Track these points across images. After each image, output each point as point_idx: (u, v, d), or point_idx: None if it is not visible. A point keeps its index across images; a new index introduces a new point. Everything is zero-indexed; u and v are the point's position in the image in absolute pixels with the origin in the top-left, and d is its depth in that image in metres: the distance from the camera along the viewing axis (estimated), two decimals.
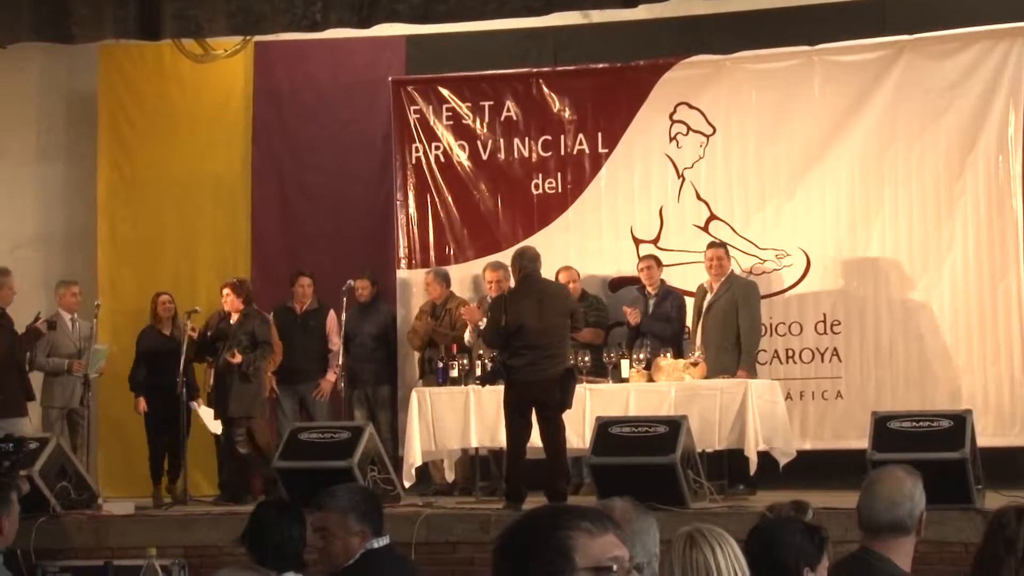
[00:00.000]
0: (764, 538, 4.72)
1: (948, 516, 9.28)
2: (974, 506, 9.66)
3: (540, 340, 10.98)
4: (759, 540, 4.65)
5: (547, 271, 12.16)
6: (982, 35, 12.59)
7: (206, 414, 12.88)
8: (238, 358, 12.60)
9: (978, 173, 12.55)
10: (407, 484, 11.94)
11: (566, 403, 11.08)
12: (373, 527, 6.30)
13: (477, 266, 13.37)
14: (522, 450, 11.02)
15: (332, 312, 13.23)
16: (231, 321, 12.64)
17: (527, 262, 11.26)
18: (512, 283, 11.58)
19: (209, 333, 12.61)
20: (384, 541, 6.37)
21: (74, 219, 15.10)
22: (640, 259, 12.91)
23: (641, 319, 12.39)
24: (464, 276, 13.47)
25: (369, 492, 6.57)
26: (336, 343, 13.19)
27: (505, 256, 12.47)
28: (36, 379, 12.91)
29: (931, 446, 9.99)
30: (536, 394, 10.95)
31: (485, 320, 11.56)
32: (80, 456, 12.32)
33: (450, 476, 12.62)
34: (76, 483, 11.72)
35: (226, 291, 12.70)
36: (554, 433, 10.99)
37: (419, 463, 12.09)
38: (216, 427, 12.83)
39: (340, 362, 13.12)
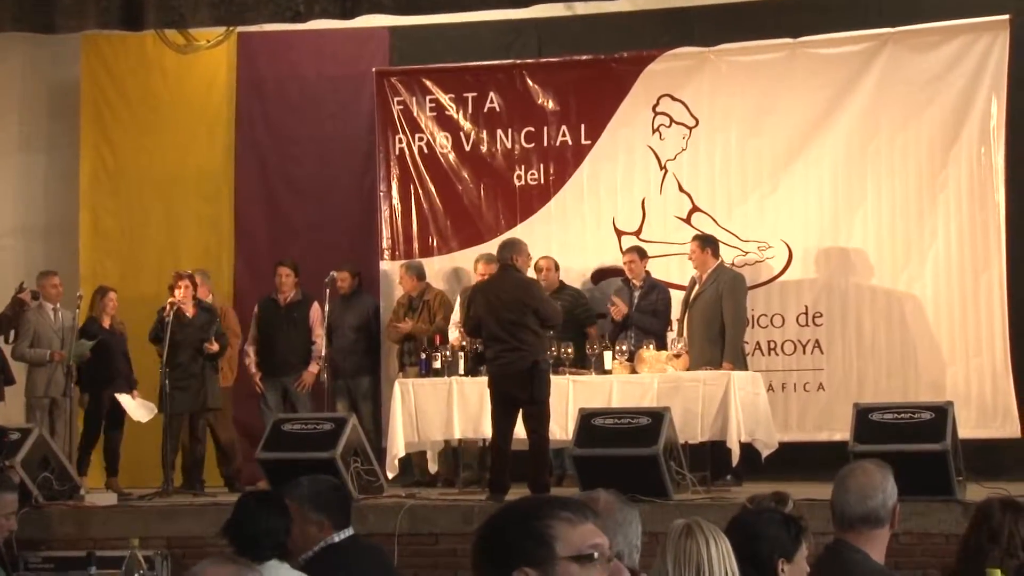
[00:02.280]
0: (742, 529, 4.77)
1: (930, 508, 9.34)
2: (955, 498, 9.70)
3: (500, 334, 11.01)
4: (737, 531, 4.69)
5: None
6: (964, 28, 12.63)
7: (129, 404, 12.83)
8: (216, 347, 12.66)
9: (961, 166, 12.60)
10: (390, 475, 11.94)
11: (536, 397, 11.07)
12: (333, 519, 6.34)
13: (460, 257, 13.43)
14: (506, 442, 11.03)
15: (316, 304, 13.23)
16: (188, 313, 12.62)
17: (504, 252, 11.29)
18: None
19: (167, 321, 12.50)
20: (346, 534, 6.40)
21: (56, 209, 15.10)
22: (624, 251, 12.90)
23: (629, 311, 12.40)
24: (447, 268, 13.47)
25: (334, 485, 6.59)
26: (319, 335, 13.19)
27: (489, 247, 12.52)
28: (19, 369, 12.90)
29: (913, 438, 10.04)
30: (507, 387, 10.98)
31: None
32: (62, 446, 12.32)
33: (433, 468, 12.64)
34: (58, 474, 11.71)
35: (184, 283, 12.68)
36: (536, 425, 11.01)
37: (402, 454, 12.11)
38: (144, 417, 12.81)
39: (323, 354, 13.13)
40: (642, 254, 12.75)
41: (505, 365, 10.96)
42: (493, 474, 11.10)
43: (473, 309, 11.11)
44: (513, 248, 11.35)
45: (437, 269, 13.58)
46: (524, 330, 11.06)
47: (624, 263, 12.71)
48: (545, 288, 12.13)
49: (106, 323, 13.07)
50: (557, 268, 12.87)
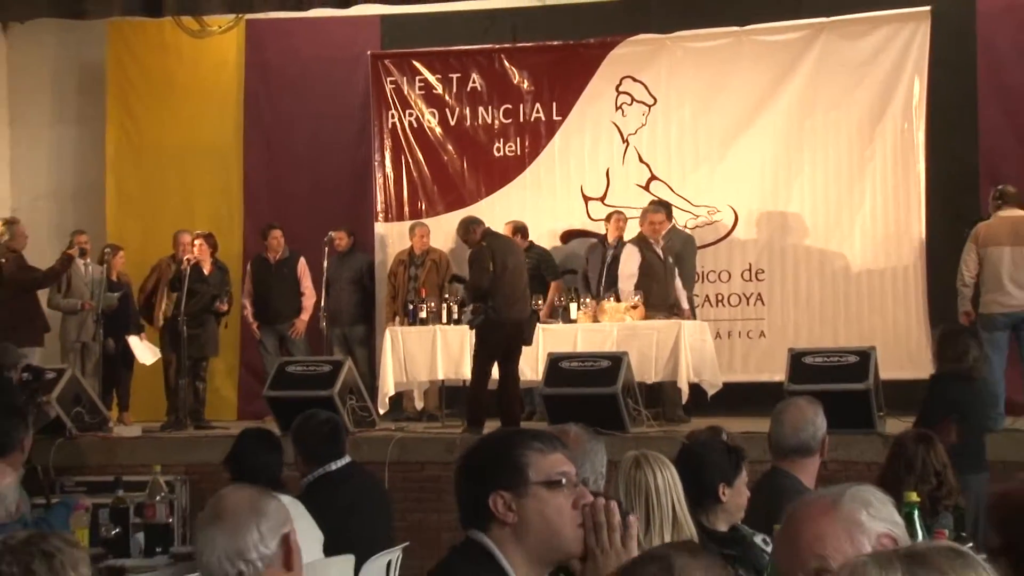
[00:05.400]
0: (688, 459, 4.84)
1: (854, 439, 9.43)
2: (876, 431, 9.81)
3: (519, 283, 11.11)
4: (684, 460, 4.76)
5: (502, 225, 12.31)
6: (890, 18, 12.65)
7: (139, 347, 12.85)
8: (226, 307, 12.70)
9: (886, 139, 12.65)
10: (382, 411, 12.00)
11: (529, 341, 11.20)
12: (320, 454, 6.41)
13: (445, 220, 13.41)
14: (487, 385, 11.12)
15: (302, 259, 13.21)
16: (205, 270, 12.61)
17: (480, 224, 11.33)
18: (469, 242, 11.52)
19: (185, 273, 12.44)
20: (343, 462, 6.45)
21: (85, 176, 15.06)
22: (611, 215, 12.76)
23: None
24: (433, 228, 13.48)
25: (322, 421, 6.62)
26: (307, 286, 13.17)
27: (471, 211, 12.55)
28: (55, 317, 12.93)
29: (840, 378, 10.13)
30: (515, 333, 11.04)
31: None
32: (93, 385, 12.35)
33: (419, 404, 12.70)
34: (89, 408, 11.76)
35: (199, 242, 12.68)
36: (514, 368, 11.10)
37: (392, 393, 12.16)
38: (149, 359, 12.82)
39: (313, 302, 13.12)
40: (624, 218, 12.69)
41: (518, 312, 11.07)
42: (473, 411, 11.18)
43: (499, 265, 11.03)
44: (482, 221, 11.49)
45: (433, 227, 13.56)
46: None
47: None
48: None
49: (113, 276, 13.09)
50: (524, 234, 12.79)
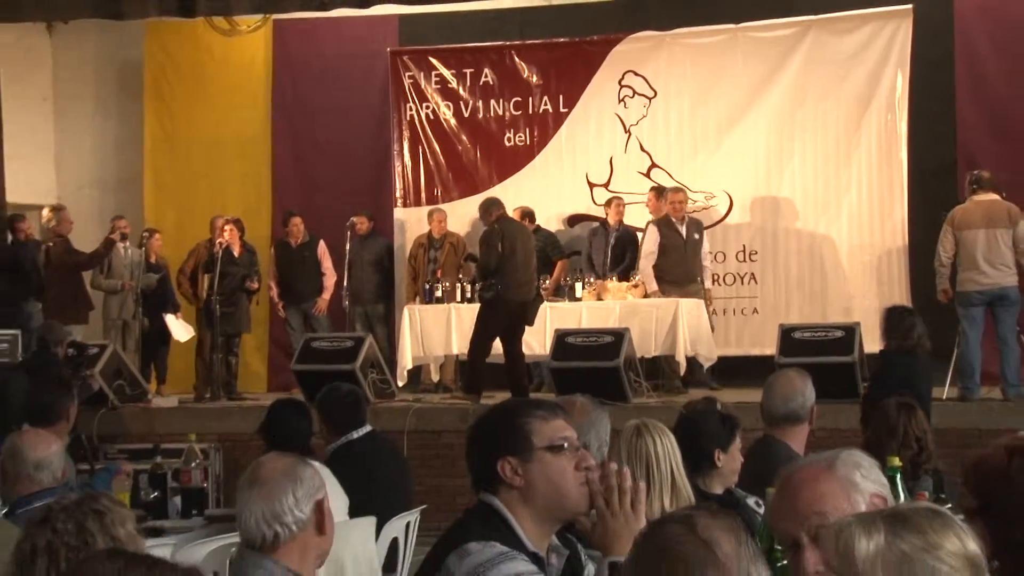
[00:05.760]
0: (685, 426, 4.84)
1: (840, 408, 9.38)
2: (861, 400, 9.78)
3: (527, 266, 11.08)
4: (682, 428, 4.76)
5: (511, 210, 12.22)
6: (875, 16, 12.61)
7: (175, 325, 12.86)
8: (256, 285, 12.73)
9: (871, 129, 12.61)
10: (400, 384, 12.03)
11: (532, 321, 11.19)
12: (342, 422, 6.41)
13: (459, 204, 13.40)
14: (485, 358, 11.14)
15: (322, 242, 13.21)
16: (235, 253, 12.60)
17: (499, 207, 11.32)
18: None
19: (217, 256, 12.44)
20: (364, 431, 6.45)
21: (125, 166, 15.08)
22: (611, 200, 12.81)
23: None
24: (448, 213, 13.46)
25: (344, 393, 6.61)
26: (327, 267, 13.18)
27: (486, 195, 12.52)
28: (97, 297, 12.95)
29: (827, 352, 10.14)
30: (519, 312, 11.02)
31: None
32: (133, 360, 12.37)
33: (435, 377, 12.71)
34: (130, 381, 11.79)
35: (230, 227, 12.67)
36: (517, 346, 11.09)
37: (410, 366, 12.18)
38: (184, 336, 12.81)
39: (334, 282, 13.12)
40: (622, 203, 12.70)
41: (525, 293, 11.06)
42: (472, 379, 11.19)
43: (507, 247, 10.99)
44: (502, 204, 11.42)
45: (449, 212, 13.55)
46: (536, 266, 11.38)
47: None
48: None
49: (152, 258, 13.11)
50: (532, 218, 12.77)
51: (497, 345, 11.14)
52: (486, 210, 11.38)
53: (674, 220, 11.94)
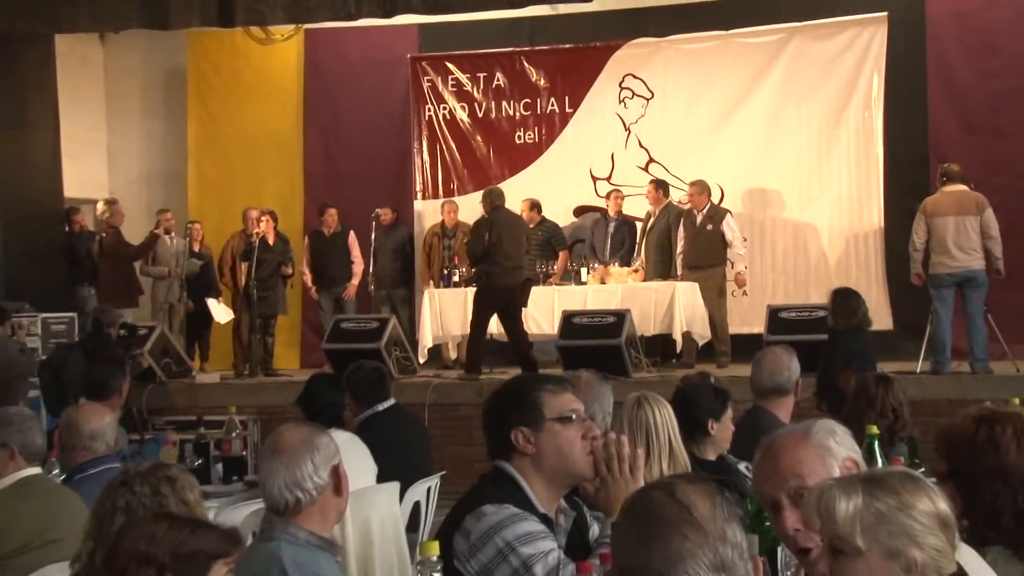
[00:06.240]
0: (682, 398, 4.84)
1: None
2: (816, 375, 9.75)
3: (514, 254, 11.02)
4: (678, 400, 4.76)
5: (521, 201, 12.34)
6: (853, 23, 12.57)
7: (216, 308, 12.87)
8: (291, 270, 12.74)
9: (850, 126, 12.57)
10: (422, 361, 12.03)
11: (525, 303, 11.13)
12: (366, 397, 6.42)
13: (474, 197, 13.34)
14: (481, 337, 11.10)
15: (352, 232, 13.14)
16: (270, 241, 12.56)
17: (496, 197, 11.28)
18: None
19: (254, 245, 12.41)
20: (388, 403, 6.46)
21: (170, 163, 15.09)
22: (610, 192, 12.81)
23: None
24: (463, 204, 13.46)
25: (370, 370, 6.61)
26: (356, 255, 13.12)
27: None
28: (146, 282, 12.98)
29: (811, 330, 10.10)
30: (506, 296, 10.97)
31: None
32: (178, 339, 12.40)
33: (453, 355, 12.71)
34: (176, 359, 11.82)
35: (267, 219, 12.65)
36: (515, 325, 11.01)
37: (430, 345, 12.17)
38: (224, 319, 12.80)
39: (362, 269, 13.08)
40: (621, 195, 12.66)
41: (510, 278, 10.97)
42: (472, 357, 11.17)
43: (494, 235, 10.93)
44: (502, 194, 11.37)
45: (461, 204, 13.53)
46: (524, 253, 11.29)
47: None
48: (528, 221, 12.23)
49: (196, 247, 13.12)
50: (539, 209, 12.76)
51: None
52: (484, 198, 11.37)
53: (695, 211, 11.91)
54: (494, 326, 11.27)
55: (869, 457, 3.80)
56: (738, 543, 2.12)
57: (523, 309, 11.12)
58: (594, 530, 3.35)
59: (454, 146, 13.87)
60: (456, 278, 12.26)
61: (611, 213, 12.64)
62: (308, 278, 13.24)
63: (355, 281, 13.16)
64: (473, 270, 11.45)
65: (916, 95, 12.53)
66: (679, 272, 11.84)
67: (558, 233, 12.85)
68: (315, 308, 13.52)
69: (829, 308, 8.45)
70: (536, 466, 3.16)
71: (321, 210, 13.31)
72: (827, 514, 2.29)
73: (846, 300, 8.29)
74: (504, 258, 10.92)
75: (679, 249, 11.97)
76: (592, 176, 13.44)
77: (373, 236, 12.98)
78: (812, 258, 12.70)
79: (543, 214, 12.75)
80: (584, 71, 13.51)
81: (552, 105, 13.62)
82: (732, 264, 11.91)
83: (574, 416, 3.19)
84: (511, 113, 13.76)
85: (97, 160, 15.19)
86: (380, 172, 14.21)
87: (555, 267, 12.33)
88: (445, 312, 12.06)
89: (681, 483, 2.20)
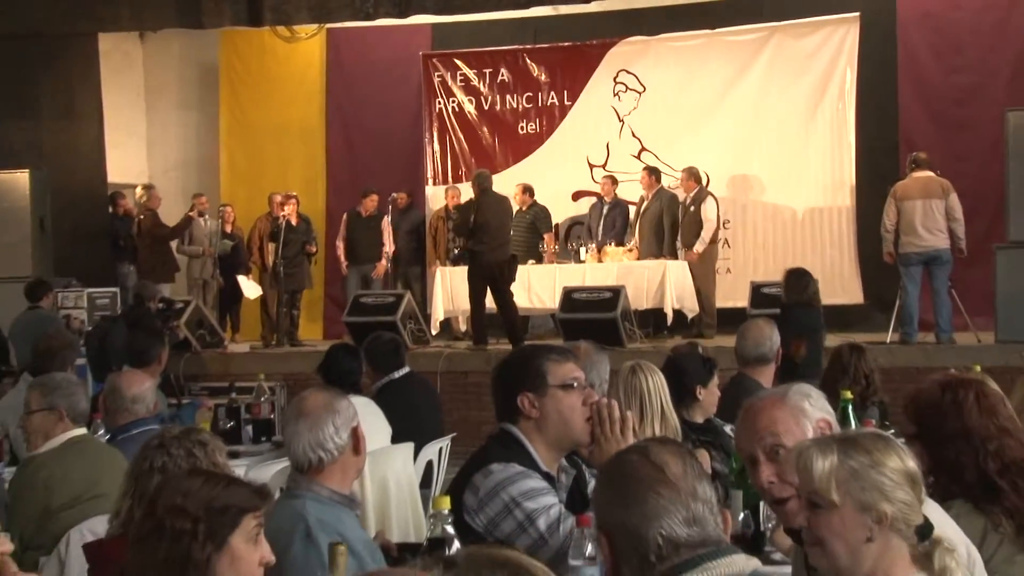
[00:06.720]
0: (671, 366, 4.83)
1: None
2: None
3: (499, 233, 10.96)
4: (669, 367, 4.76)
5: (516, 185, 12.34)
6: (828, 22, 12.52)
7: (245, 284, 12.83)
8: (315, 249, 12.71)
9: (825, 116, 12.52)
10: (434, 332, 12.04)
11: (512, 278, 11.07)
12: (383, 366, 6.41)
13: None
14: (480, 311, 11.04)
15: (387, 217, 13.05)
16: (293, 222, 12.50)
17: (483, 180, 11.23)
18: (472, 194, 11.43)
19: (281, 226, 12.35)
20: (403, 372, 6.45)
21: (204, 151, 15.08)
22: (603, 178, 12.78)
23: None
24: (467, 190, 13.41)
25: (386, 340, 6.60)
26: (387, 239, 13.03)
27: (499, 177, 12.45)
28: (182, 260, 13.00)
29: None
30: (494, 271, 10.91)
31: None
32: (212, 312, 12.40)
33: (463, 327, 12.69)
34: (209, 330, 11.82)
35: (292, 202, 12.60)
36: (504, 298, 10.95)
37: (442, 318, 12.18)
38: (253, 294, 12.75)
39: (392, 252, 13.06)
40: (613, 180, 12.59)
41: (497, 254, 10.90)
42: (476, 329, 11.13)
43: (479, 216, 10.89)
44: (488, 177, 11.31)
45: (464, 191, 13.50)
46: (510, 231, 11.27)
47: (603, 185, 12.39)
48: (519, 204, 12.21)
49: (228, 228, 13.11)
50: (531, 193, 12.68)
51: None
52: (474, 181, 11.34)
53: (686, 195, 11.89)
54: (491, 303, 11.24)
55: (843, 420, 3.80)
56: (708, 499, 2.17)
57: (511, 283, 11.06)
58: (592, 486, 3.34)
59: (462, 136, 13.84)
60: (456, 252, 12.28)
61: (606, 198, 12.60)
62: (341, 252, 13.17)
63: (384, 262, 13.08)
64: (462, 248, 11.44)
65: (887, 89, 12.49)
66: (680, 250, 11.78)
67: (545, 216, 12.74)
68: (337, 284, 13.50)
69: (783, 285, 8.38)
70: (540, 428, 3.16)
71: (365, 193, 13.17)
72: (805, 471, 2.29)
73: (798, 278, 8.23)
74: (490, 237, 10.89)
75: (635, 232, 11.90)
76: (589, 163, 13.41)
77: (389, 218, 12.96)
78: (790, 238, 12.67)
79: (535, 198, 12.69)
80: (582, 67, 13.46)
81: (552, 98, 13.58)
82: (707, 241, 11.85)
83: (576, 384, 3.19)
84: (514, 106, 13.72)
85: (137, 148, 15.18)
86: (396, 159, 14.18)
87: (544, 247, 12.29)
88: (455, 288, 12.04)
89: (655, 446, 2.26)
